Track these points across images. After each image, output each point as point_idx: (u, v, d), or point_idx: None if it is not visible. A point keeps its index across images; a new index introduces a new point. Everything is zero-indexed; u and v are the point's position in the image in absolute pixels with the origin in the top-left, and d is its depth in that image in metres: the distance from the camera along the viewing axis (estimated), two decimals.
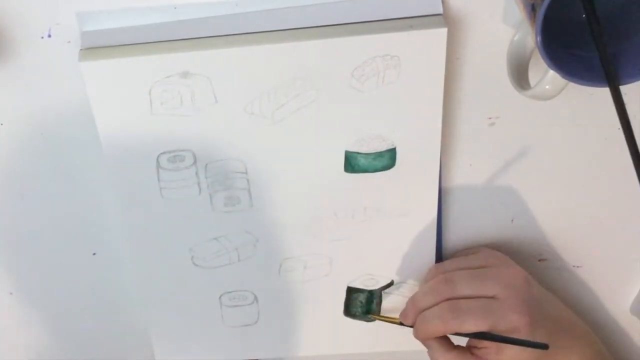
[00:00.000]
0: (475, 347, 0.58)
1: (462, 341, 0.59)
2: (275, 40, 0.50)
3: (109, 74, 0.51)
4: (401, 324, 0.61)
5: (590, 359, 0.60)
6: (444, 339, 0.58)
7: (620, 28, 0.48)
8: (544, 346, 0.54)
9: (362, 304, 0.64)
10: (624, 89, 0.47)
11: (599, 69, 0.46)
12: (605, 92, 0.46)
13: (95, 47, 0.51)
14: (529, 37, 0.50)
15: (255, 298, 0.64)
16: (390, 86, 0.52)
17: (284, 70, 0.51)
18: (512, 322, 0.54)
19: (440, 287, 0.58)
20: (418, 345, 0.65)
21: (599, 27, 0.45)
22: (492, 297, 0.56)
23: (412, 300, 0.59)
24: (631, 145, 0.45)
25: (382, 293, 0.63)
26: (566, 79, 0.46)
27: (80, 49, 0.51)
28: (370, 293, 0.63)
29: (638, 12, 0.48)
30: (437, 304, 0.57)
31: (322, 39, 0.50)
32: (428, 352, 0.59)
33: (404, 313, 0.60)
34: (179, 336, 0.65)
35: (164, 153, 0.55)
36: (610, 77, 0.45)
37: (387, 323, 0.63)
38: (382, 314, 0.64)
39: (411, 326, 0.60)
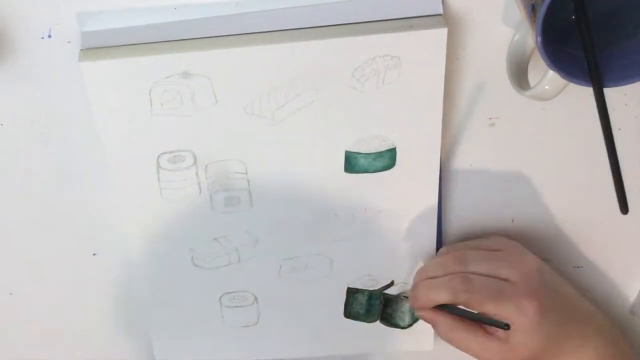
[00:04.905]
0: (486, 323, 0.57)
1: None
2: (275, 41, 0.50)
3: (109, 74, 0.51)
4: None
5: (608, 357, 0.57)
6: (452, 315, 0.57)
7: (617, 30, 0.48)
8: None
9: (362, 305, 0.64)
10: (625, 89, 0.47)
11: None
12: (605, 92, 0.46)
13: (95, 47, 0.51)
14: (529, 37, 0.50)
15: (256, 299, 0.64)
16: (391, 86, 0.52)
17: (284, 71, 0.51)
18: (521, 306, 0.54)
19: (451, 262, 0.57)
20: (418, 346, 0.65)
21: (587, 25, 0.45)
22: (504, 280, 0.55)
23: (420, 272, 0.59)
24: (609, 144, 0.45)
25: (382, 293, 0.63)
26: (566, 79, 0.46)
27: (80, 49, 0.51)
28: (371, 293, 0.63)
29: (635, 15, 0.48)
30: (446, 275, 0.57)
31: (322, 39, 0.50)
32: (435, 328, 0.58)
33: (411, 291, 0.60)
34: (179, 336, 0.65)
35: (164, 153, 0.55)
36: (594, 77, 0.45)
37: (387, 325, 0.63)
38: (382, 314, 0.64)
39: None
